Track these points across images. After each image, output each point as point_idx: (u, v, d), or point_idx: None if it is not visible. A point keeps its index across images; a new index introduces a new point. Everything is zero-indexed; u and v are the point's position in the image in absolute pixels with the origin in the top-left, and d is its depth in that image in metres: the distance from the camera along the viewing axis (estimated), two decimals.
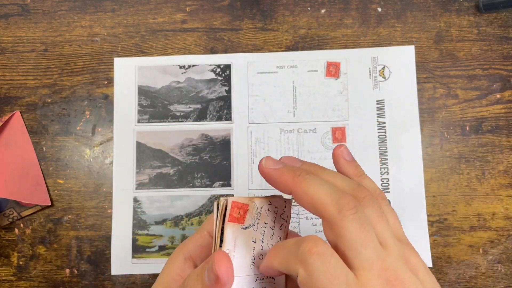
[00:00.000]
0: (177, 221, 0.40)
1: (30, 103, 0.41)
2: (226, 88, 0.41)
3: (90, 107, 0.41)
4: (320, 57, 0.41)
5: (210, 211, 0.40)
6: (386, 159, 0.39)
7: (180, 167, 0.40)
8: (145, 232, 0.39)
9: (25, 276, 0.39)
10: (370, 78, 0.41)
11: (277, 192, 0.26)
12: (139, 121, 0.41)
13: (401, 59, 0.41)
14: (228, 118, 0.41)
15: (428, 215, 0.39)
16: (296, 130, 0.40)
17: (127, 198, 0.40)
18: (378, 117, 0.40)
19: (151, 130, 0.41)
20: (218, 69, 0.41)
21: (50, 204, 0.40)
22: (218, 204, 0.23)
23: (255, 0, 0.42)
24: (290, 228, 0.39)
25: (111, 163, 0.40)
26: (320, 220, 0.39)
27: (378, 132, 0.40)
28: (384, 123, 0.40)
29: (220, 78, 0.41)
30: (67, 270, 0.39)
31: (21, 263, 0.39)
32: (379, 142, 0.40)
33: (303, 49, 0.41)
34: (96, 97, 0.41)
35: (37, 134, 0.41)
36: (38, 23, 0.42)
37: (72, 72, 0.42)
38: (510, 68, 0.40)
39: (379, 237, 0.24)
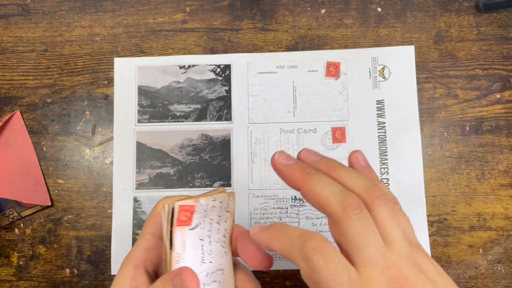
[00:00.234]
0: None
1: (30, 103, 0.41)
2: (226, 88, 0.41)
3: (90, 107, 0.41)
4: (320, 57, 0.41)
5: None
6: (386, 159, 0.39)
7: (180, 167, 0.40)
8: None
9: (25, 276, 0.39)
10: (370, 78, 0.41)
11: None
12: (139, 121, 0.41)
13: (401, 59, 0.41)
14: (228, 118, 0.41)
15: (428, 215, 0.39)
16: (296, 130, 0.40)
17: (127, 198, 0.40)
18: (378, 117, 0.40)
19: (151, 130, 0.41)
20: (218, 69, 0.41)
21: (50, 204, 0.40)
22: (164, 208, 0.24)
23: (255, 0, 0.42)
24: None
25: (111, 163, 0.41)
26: (319, 220, 0.39)
27: (378, 132, 0.40)
28: (384, 123, 0.40)
29: (220, 78, 0.41)
30: (67, 270, 0.39)
31: (21, 263, 0.39)
32: (379, 142, 0.40)
33: (303, 49, 0.41)
34: (96, 97, 0.41)
35: (37, 134, 0.41)
36: (38, 23, 0.42)
37: (72, 72, 0.42)
38: (510, 68, 0.40)
39: (387, 236, 0.24)
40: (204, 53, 0.42)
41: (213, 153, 0.40)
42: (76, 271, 0.39)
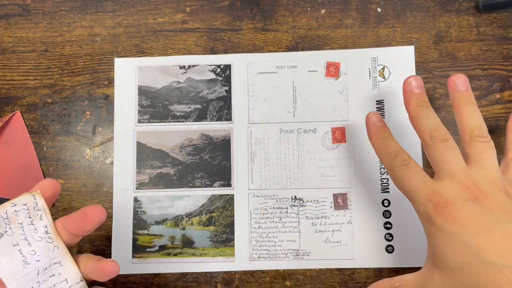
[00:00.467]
0: (177, 221, 0.40)
1: (30, 103, 0.41)
2: (226, 88, 0.41)
3: (91, 107, 0.41)
4: (320, 57, 0.41)
5: (210, 211, 0.40)
6: None
7: (180, 167, 0.40)
8: (146, 232, 0.40)
9: None
10: (370, 78, 0.41)
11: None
12: (139, 121, 0.41)
13: (401, 60, 0.41)
14: (228, 118, 0.41)
15: None
16: (296, 130, 0.40)
17: (128, 198, 0.40)
18: None
19: (151, 130, 0.41)
20: (218, 69, 0.41)
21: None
22: None
23: (255, 0, 0.42)
24: (291, 226, 0.39)
25: (112, 163, 0.41)
26: (319, 220, 0.39)
27: None
28: None
29: (220, 78, 0.41)
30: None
31: None
32: None
33: (303, 49, 0.41)
34: (96, 97, 0.41)
35: (38, 134, 0.41)
36: (38, 23, 0.42)
37: (73, 72, 0.42)
38: (510, 69, 0.40)
39: (477, 163, 0.30)
40: (204, 53, 0.42)
41: (213, 153, 0.40)
42: None
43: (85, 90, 0.42)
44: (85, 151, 0.41)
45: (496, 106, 0.40)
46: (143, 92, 0.41)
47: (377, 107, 0.40)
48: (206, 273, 0.39)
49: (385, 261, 0.38)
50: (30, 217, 0.28)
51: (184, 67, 0.42)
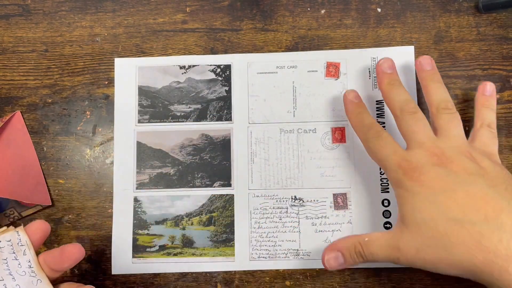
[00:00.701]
0: (177, 221, 0.40)
1: (30, 103, 0.41)
2: (226, 88, 0.41)
3: (91, 107, 0.41)
4: (320, 57, 0.41)
5: (210, 211, 0.40)
6: None
7: (180, 167, 0.40)
8: (146, 232, 0.40)
9: None
10: (369, 78, 0.41)
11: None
12: (139, 121, 0.41)
13: (401, 60, 0.41)
14: (228, 118, 0.41)
15: None
16: (296, 130, 0.40)
17: (128, 198, 0.40)
18: (378, 117, 0.40)
19: (151, 130, 0.41)
20: (218, 69, 0.41)
21: (50, 204, 0.40)
22: None
23: (255, 0, 0.42)
24: (291, 226, 0.39)
25: (112, 163, 0.41)
26: (319, 220, 0.39)
27: None
28: (384, 123, 0.40)
29: (220, 79, 0.41)
30: (68, 270, 0.39)
31: None
32: None
33: (303, 49, 0.41)
34: (96, 97, 0.42)
35: (38, 134, 0.41)
36: (38, 23, 0.42)
37: (73, 72, 0.42)
38: (510, 69, 0.40)
39: (443, 132, 0.32)
40: (204, 53, 0.42)
41: (213, 153, 0.41)
42: (76, 271, 0.39)
43: (85, 90, 0.42)
44: (85, 151, 0.41)
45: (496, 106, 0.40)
46: (143, 92, 0.41)
47: (377, 107, 0.40)
48: (206, 273, 0.39)
49: None
50: (14, 253, 0.29)
51: (184, 67, 0.42)
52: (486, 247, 0.27)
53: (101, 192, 0.40)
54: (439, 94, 0.34)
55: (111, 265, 0.39)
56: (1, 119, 0.41)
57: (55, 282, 0.31)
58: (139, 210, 0.40)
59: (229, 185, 0.40)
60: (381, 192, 0.39)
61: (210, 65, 0.42)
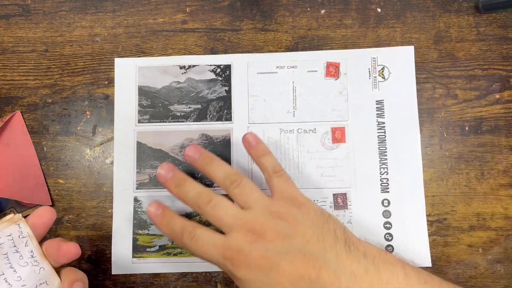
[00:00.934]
0: None
1: (30, 103, 0.41)
2: (226, 88, 0.41)
3: (91, 107, 0.41)
4: (320, 57, 0.41)
5: None
6: (386, 159, 0.40)
7: (180, 167, 0.40)
8: (146, 231, 0.40)
9: None
10: (369, 78, 0.41)
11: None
12: (139, 121, 0.41)
13: (401, 60, 0.41)
14: (228, 118, 0.41)
15: (427, 215, 0.39)
16: (296, 130, 0.40)
17: (128, 198, 0.40)
18: (377, 117, 0.40)
19: (151, 130, 0.41)
20: (218, 70, 0.41)
21: (50, 204, 0.40)
22: None
23: (255, 0, 0.42)
24: None
25: (112, 163, 0.41)
26: None
27: (378, 132, 0.40)
28: (384, 123, 0.40)
29: (220, 79, 0.41)
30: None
31: None
32: (378, 142, 0.40)
33: (303, 49, 0.41)
34: (96, 97, 0.42)
35: (38, 134, 0.41)
36: (38, 23, 0.42)
37: (73, 72, 0.42)
38: (510, 69, 0.40)
39: (245, 205, 0.32)
40: (204, 53, 0.42)
41: (213, 153, 0.40)
42: None
43: (85, 90, 0.42)
44: (85, 151, 0.41)
45: (496, 106, 0.40)
46: (143, 92, 0.41)
47: (376, 107, 0.40)
48: (206, 273, 0.39)
49: None
50: (15, 246, 0.29)
51: (184, 67, 0.42)
52: None
53: (101, 192, 0.40)
54: (220, 173, 0.34)
55: (111, 265, 0.39)
56: (1, 119, 0.41)
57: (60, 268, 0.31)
58: (139, 210, 0.40)
59: None
60: (381, 192, 0.39)
61: (210, 65, 0.42)
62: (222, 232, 0.32)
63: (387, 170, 0.39)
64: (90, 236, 0.40)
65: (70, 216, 0.40)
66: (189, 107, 0.41)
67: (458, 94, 0.40)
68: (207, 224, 0.34)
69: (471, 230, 0.39)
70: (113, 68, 0.42)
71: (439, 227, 0.39)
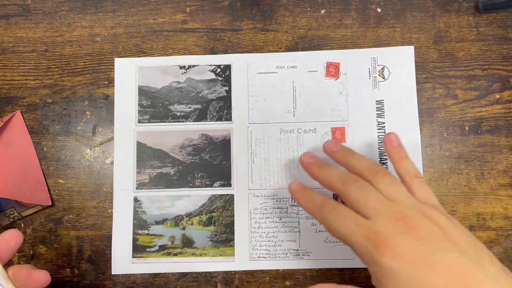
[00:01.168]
0: (177, 221, 0.40)
1: (30, 103, 0.41)
2: (226, 88, 0.41)
3: (91, 107, 0.41)
4: (320, 57, 0.41)
5: (210, 211, 0.40)
6: (386, 159, 0.40)
7: (180, 167, 0.40)
8: (146, 231, 0.40)
9: None
10: (369, 78, 0.41)
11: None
12: (139, 121, 0.41)
13: (401, 60, 0.41)
14: (228, 118, 0.41)
15: None
16: (296, 130, 0.40)
17: (128, 198, 0.40)
18: (377, 117, 0.40)
19: (151, 130, 0.41)
20: (218, 70, 0.41)
21: (50, 204, 0.40)
22: None
23: (255, 0, 0.42)
24: (291, 226, 0.39)
25: (112, 163, 0.41)
26: None
27: (378, 132, 0.40)
28: (384, 123, 0.40)
29: (220, 79, 0.41)
30: (68, 270, 0.39)
31: (22, 262, 0.40)
32: (378, 142, 0.40)
33: (303, 49, 0.41)
34: (96, 97, 0.42)
35: (38, 134, 0.41)
36: (38, 23, 0.42)
37: (73, 72, 0.42)
38: (510, 69, 0.40)
39: (390, 196, 0.31)
40: (204, 54, 0.42)
41: (213, 153, 0.41)
42: (76, 271, 0.39)
43: (85, 90, 0.42)
44: (85, 151, 0.41)
45: (496, 106, 0.40)
46: (143, 92, 0.41)
47: (376, 107, 0.40)
48: (206, 273, 0.39)
49: None
50: None
51: (184, 67, 0.42)
52: None
53: (101, 192, 0.40)
54: (363, 162, 0.33)
55: (111, 265, 0.39)
56: (1, 119, 0.41)
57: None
58: (139, 210, 0.40)
59: (229, 185, 0.40)
60: None
61: (210, 65, 0.42)
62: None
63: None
64: (90, 236, 0.40)
65: (70, 216, 0.40)
66: (189, 107, 0.41)
67: (458, 94, 0.40)
68: None
69: (471, 230, 0.39)
70: (113, 68, 0.42)
71: None
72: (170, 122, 0.41)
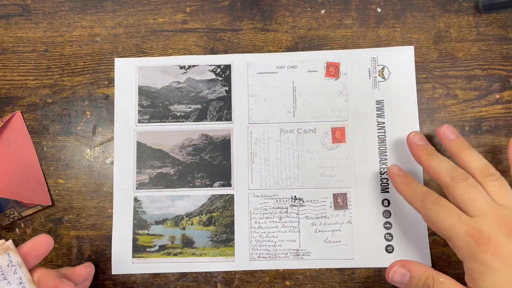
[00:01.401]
0: (177, 221, 0.40)
1: (30, 103, 0.42)
2: (226, 88, 0.41)
3: (91, 107, 0.41)
4: (320, 57, 0.41)
5: (210, 211, 0.40)
6: (386, 159, 0.40)
7: (180, 167, 0.40)
8: (146, 231, 0.40)
9: None
10: (369, 78, 0.41)
11: None
12: (139, 121, 0.41)
13: (401, 60, 0.41)
14: (228, 118, 0.41)
15: None
16: (296, 130, 0.40)
17: (128, 198, 0.40)
18: (377, 117, 0.40)
19: (151, 130, 0.41)
20: (218, 70, 0.41)
21: (50, 204, 0.40)
22: None
23: (255, 0, 0.42)
24: (291, 226, 0.39)
25: (112, 163, 0.41)
26: (319, 220, 0.39)
27: (378, 132, 0.40)
28: (384, 123, 0.40)
29: (220, 79, 0.41)
30: None
31: None
32: (378, 142, 0.40)
33: (303, 49, 0.41)
34: (96, 97, 0.42)
35: (38, 134, 0.41)
36: (38, 23, 0.42)
37: (73, 72, 0.42)
38: (510, 69, 0.40)
39: (497, 200, 0.31)
40: (204, 54, 0.42)
41: (213, 153, 0.41)
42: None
43: (85, 90, 0.42)
44: (85, 151, 0.41)
45: (496, 106, 0.40)
46: (143, 92, 0.41)
47: (376, 107, 0.40)
48: (206, 273, 0.39)
49: (385, 261, 0.38)
50: (3, 274, 0.29)
51: (184, 67, 0.42)
52: None
53: (101, 192, 0.40)
54: (477, 162, 0.33)
55: (111, 265, 0.39)
56: (1, 119, 0.41)
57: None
58: (139, 210, 0.40)
59: (229, 185, 0.40)
60: (381, 192, 0.39)
61: (210, 65, 0.42)
62: None
63: (387, 170, 0.39)
64: (90, 236, 0.40)
65: (70, 216, 0.40)
66: (189, 107, 0.41)
67: (458, 94, 0.40)
68: None
69: None
70: (113, 68, 0.42)
71: None
72: (170, 122, 0.41)
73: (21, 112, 0.41)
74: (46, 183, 0.40)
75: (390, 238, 0.39)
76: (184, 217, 0.40)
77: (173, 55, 0.42)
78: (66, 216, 0.40)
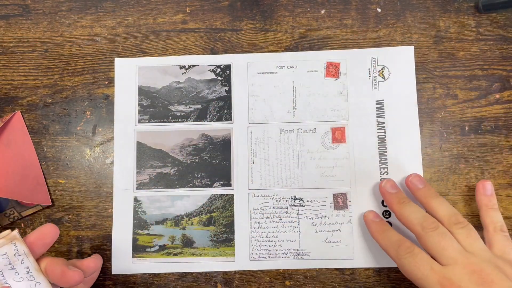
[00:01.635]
0: (177, 221, 0.40)
1: (30, 103, 0.42)
2: (226, 88, 0.41)
3: (91, 107, 0.41)
4: (320, 57, 0.41)
5: (210, 211, 0.40)
6: (386, 159, 0.40)
7: (180, 167, 0.40)
8: (146, 231, 0.40)
9: None
10: (369, 78, 0.41)
11: None
12: (139, 121, 0.41)
13: (401, 60, 0.41)
14: (228, 118, 0.41)
15: None
16: (296, 130, 0.40)
17: (128, 198, 0.40)
18: (377, 117, 0.40)
19: (151, 130, 0.41)
20: (218, 70, 0.41)
21: (50, 204, 0.40)
22: None
23: (255, 0, 0.42)
24: (291, 226, 0.39)
25: (112, 163, 0.41)
26: (319, 220, 0.39)
27: (378, 132, 0.40)
28: (384, 123, 0.40)
29: (220, 79, 0.41)
30: None
31: None
32: (378, 142, 0.40)
33: (303, 49, 0.41)
34: (96, 97, 0.42)
35: (38, 134, 0.41)
36: (38, 23, 0.43)
37: (73, 72, 0.42)
38: (510, 69, 0.40)
39: (467, 248, 0.32)
40: (204, 54, 0.42)
41: (213, 153, 0.41)
42: None
43: (85, 90, 0.42)
44: (85, 151, 0.41)
45: (496, 106, 0.40)
46: (143, 92, 0.41)
47: (376, 107, 0.40)
48: (206, 273, 0.39)
49: (385, 261, 0.38)
50: (11, 263, 0.29)
51: (184, 67, 0.42)
52: None
53: (101, 192, 0.40)
54: (445, 210, 0.34)
55: (111, 265, 0.39)
56: (1, 119, 0.41)
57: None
58: (139, 210, 0.40)
59: (229, 185, 0.40)
60: None
61: (210, 65, 0.42)
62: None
63: (387, 170, 0.39)
64: (90, 236, 0.40)
65: (70, 216, 0.40)
66: (189, 107, 0.41)
67: (458, 94, 0.40)
68: None
69: None
70: (113, 68, 0.42)
71: None
72: (170, 122, 0.41)
73: (21, 112, 0.41)
74: (46, 183, 0.40)
75: None
76: (184, 217, 0.40)
77: (173, 55, 0.42)
78: (66, 216, 0.40)
